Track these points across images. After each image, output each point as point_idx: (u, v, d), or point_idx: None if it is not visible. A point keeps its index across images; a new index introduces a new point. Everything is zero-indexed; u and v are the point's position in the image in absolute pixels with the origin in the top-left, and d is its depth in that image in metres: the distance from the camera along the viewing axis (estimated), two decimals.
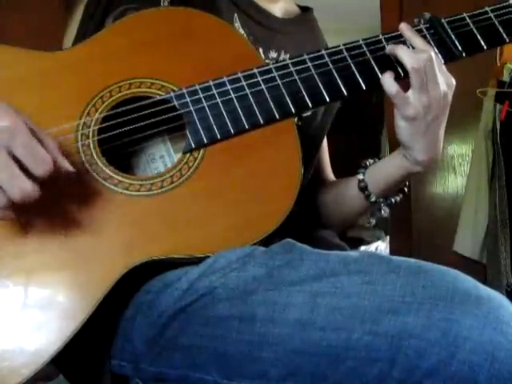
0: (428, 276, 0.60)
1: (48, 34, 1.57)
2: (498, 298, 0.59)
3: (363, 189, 0.90)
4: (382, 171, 0.89)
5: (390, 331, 0.57)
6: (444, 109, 0.80)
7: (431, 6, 2.17)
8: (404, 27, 0.83)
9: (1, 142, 0.61)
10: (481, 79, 2.26)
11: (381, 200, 0.91)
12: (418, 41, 0.81)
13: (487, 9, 0.86)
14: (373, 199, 0.90)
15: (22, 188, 0.61)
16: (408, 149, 0.83)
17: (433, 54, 0.79)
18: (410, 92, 0.78)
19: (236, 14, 0.91)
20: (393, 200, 0.91)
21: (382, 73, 0.80)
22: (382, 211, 0.92)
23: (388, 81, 0.79)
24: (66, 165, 0.66)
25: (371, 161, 0.91)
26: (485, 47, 0.84)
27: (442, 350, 0.55)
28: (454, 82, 0.81)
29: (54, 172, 0.64)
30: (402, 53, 0.79)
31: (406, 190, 0.92)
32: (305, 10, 1.05)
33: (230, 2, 0.91)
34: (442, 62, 0.81)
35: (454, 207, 2.45)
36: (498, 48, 2.15)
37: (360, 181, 0.90)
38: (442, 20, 0.84)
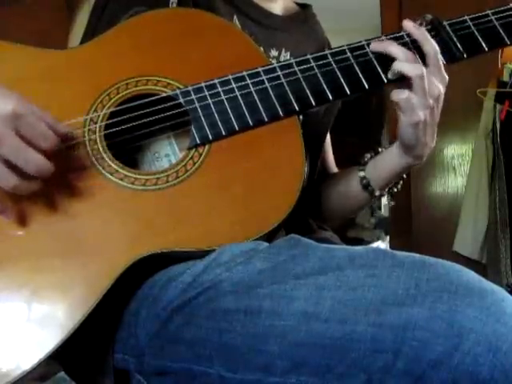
0: (432, 269, 0.60)
1: (49, 35, 1.58)
2: (501, 291, 0.60)
3: (366, 186, 0.92)
4: (383, 167, 0.91)
5: (395, 323, 0.57)
6: (439, 103, 0.82)
7: (431, 5, 2.18)
8: (408, 24, 0.83)
9: (9, 124, 0.66)
10: (481, 79, 2.27)
11: (384, 192, 0.94)
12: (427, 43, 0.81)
13: (488, 12, 0.87)
14: (377, 194, 0.93)
15: (34, 159, 0.67)
16: (411, 148, 0.85)
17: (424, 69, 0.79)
18: (413, 98, 0.79)
19: (235, 16, 0.92)
20: (395, 189, 0.94)
21: (384, 72, 0.81)
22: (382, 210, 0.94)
23: (396, 92, 0.80)
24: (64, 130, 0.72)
25: (368, 155, 0.93)
26: (486, 49, 0.85)
27: (446, 341, 0.55)
28: (447, 78, 0.82)
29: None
30: (401, 65, 0.80)
31: (405, 176, 0.94)
32: (304, 7, 1.06)
33: (228, 3, 0.92)
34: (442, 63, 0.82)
35: (453, 207, 2.46)
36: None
37: (362, 178, 0.92)
38: (444, 22, 0.85)
